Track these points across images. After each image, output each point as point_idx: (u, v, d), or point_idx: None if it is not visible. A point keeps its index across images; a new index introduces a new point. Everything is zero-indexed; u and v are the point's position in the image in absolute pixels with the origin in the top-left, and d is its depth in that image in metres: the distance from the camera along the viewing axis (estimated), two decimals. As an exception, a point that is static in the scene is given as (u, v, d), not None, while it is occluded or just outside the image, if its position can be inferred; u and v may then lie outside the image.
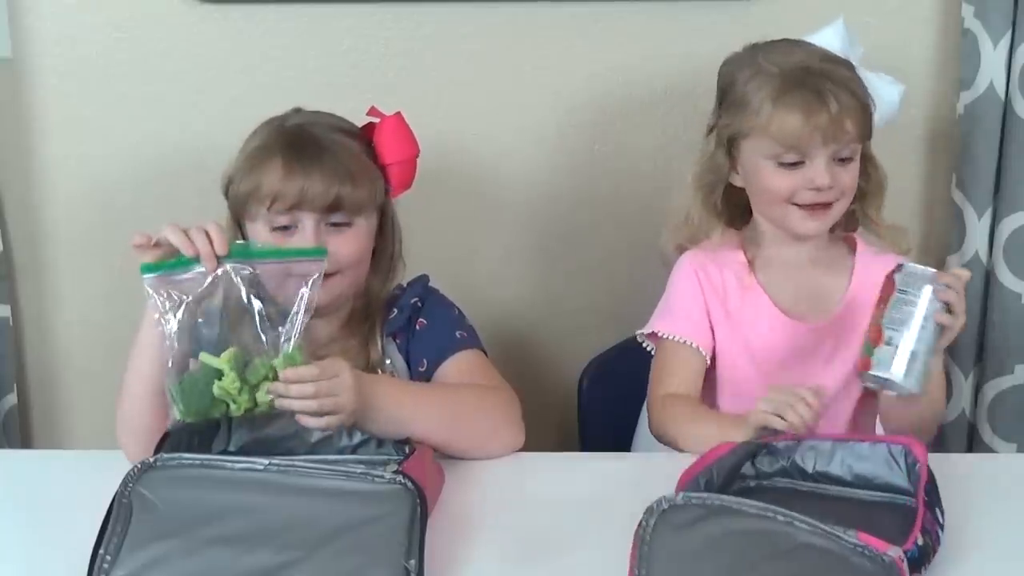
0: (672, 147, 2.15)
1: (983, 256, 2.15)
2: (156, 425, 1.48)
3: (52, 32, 2.12)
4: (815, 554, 1.20)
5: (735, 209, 1.77)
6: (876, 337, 1.53)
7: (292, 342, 1.45)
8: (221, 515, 1.29)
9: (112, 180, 2.18)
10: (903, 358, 1.52)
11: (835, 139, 1.65)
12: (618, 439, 1.95)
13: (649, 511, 1.24)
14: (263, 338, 1.46)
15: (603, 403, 1.99)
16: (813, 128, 1.63)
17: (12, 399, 2.23)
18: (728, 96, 1.72)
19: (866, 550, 1.19)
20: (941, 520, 1.34)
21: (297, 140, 1.64)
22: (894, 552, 1.20)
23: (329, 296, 1.60)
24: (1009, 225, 2.12)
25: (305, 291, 1.46)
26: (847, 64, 1.70)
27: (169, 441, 1.44)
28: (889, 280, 1.55)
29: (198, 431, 1.47)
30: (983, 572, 1.34)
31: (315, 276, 1.48)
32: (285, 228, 1.62)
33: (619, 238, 2.22)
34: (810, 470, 1.49)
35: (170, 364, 1.45)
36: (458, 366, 1.69)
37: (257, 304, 1.46)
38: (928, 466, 1.39)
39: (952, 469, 1.45)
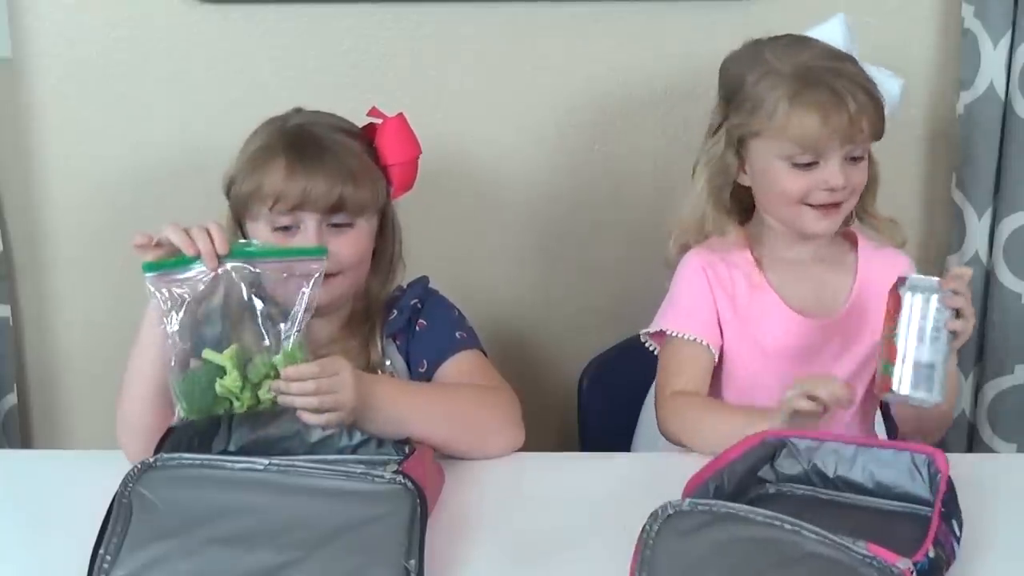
0: (672, 147, 2.15)
1: (983, 256, 2.15)
2: (156, 425, 1.48)
3: (52, 32, 2.12)
4: (822, 564, 1.19)
5: (738, 206, 1.77)
6: (891, 355, 1.53)
7: (292, 340, 1.45)
8: (221, 515, 1.29)
9: (112, 180, 2.18)
10: (922, 374, 1.52)
11: (852, 140, 1.64)
12: (618, 439, 1.95)
13: (653, 516, 1.24)
14: (264, 336, 1.46)
15: (603, 403, 1.99)
16: (832, 130, 1.62)
17: (12, 399, 2.23)
18: (737, 96, 1.70)
19: (875, 561, 1.18)
20: (958, 532, 1.33)
21: (299, 140, 1.64)
22: (903, 564, 1.19)
23: (330, 296, 1.60)
24: (1009, 225, 2.12)
25: (306, 290, 1.47)
26: (854, 60, 1.69)
27: (169, 441, 1.44)
28: (894, 295, 1.54)
29: (198, 431, 1.47)
30: (984, 572, 1.34)
31: (316, 275, 1.48)
32: (287, 228, 1.62)
33: (619, 238, 2.22)
34: (831, 475, 1.48)
35: (172, 363, 1.45)
36: (458, 367, 1.69)
37: (258, 303, 1.47)
38: (949, 477, 1.38)
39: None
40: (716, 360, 1.74)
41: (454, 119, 2.14)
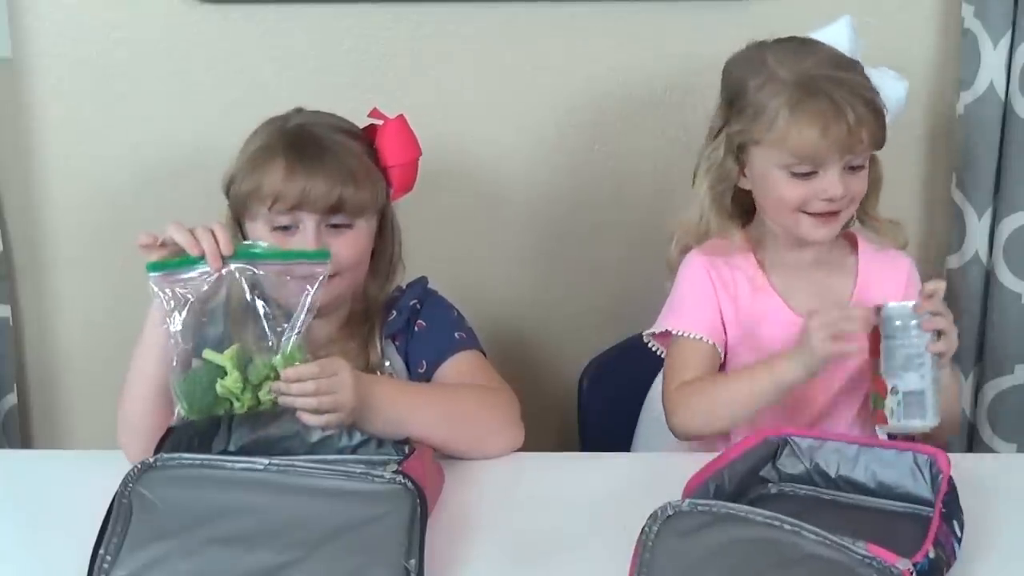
0: (672, 147, 2.15)
1: (983, 256, 2.15)
2: (158, 425, 1.48)
3: (52, 32, 2.12)
4: (821, 564, 1.19)
5: (740, 209, 1.77)
6: (881, 389, 1.54)
7: (292, 342, 1.45)
8: (221, 515, 1.29)
9: (112, 180, 2.18)
10: (913, 402, 1.53)
11: (851, 150, 1.64)
12: (618, 439, 1.95)
13: (653, 517, 1.24)
14: (265, 337, 1.46)
15: (603, 403, 1.99)
16: (831, 142, 1.61)
17: (12, 399, 2.23)
18: (739, 102, 1.69)
19: (874, 562, 1.18)
20: (959, 533, 1.33)
21: (300, 140, 1.64)
22: (903, 564, 1.18)
23: (328, 297, 1.59)
24: (1009, 225, 2.12)
25: (309, 292, 1.47)
26: (858, 67, 1.69)
27: (169, 441, 1.44)
28: (874, 327, 1.55)
29: (198, 431, 1.47)
30: (984, 572, 1.34)
31: (319, 278, 1.48)
32: (286, 228, 1.62)
33: (619, 238, 2.22)
34: (833, 474, 1.48)
35: (174, 362, 1.45)
36: (457, 367, 1.69)
37: (260, 304, 1.47)
38: (951, 477, 1.38)
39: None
40: (722, 358, 1.74)
41: (454, 119, 2.14)
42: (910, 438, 1.60)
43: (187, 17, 2.11)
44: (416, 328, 1.72)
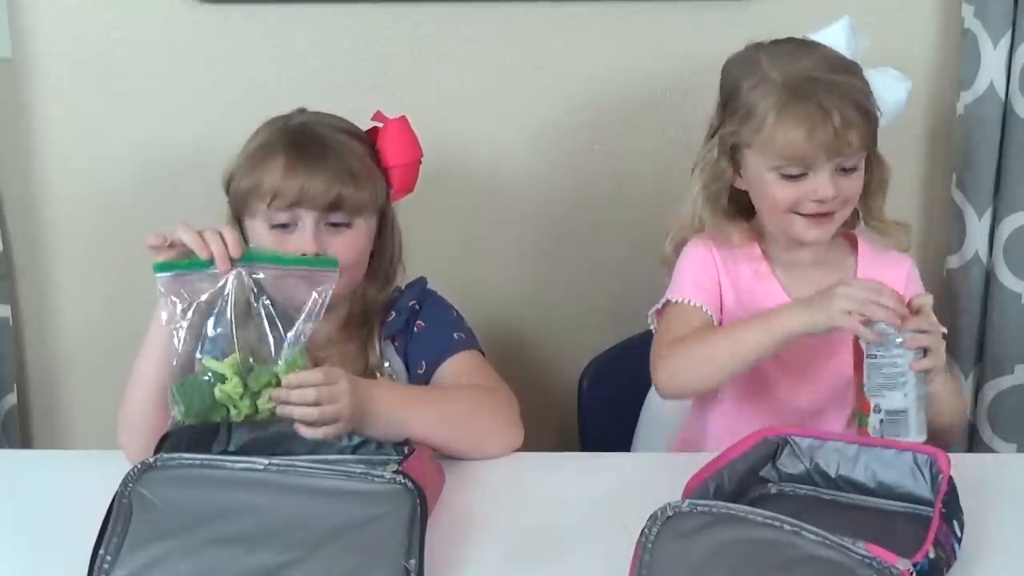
0: (672, 147, 2.15)
1: (983, 256, 2.15)
2: (160, 425, 1.48)
3: (52, 32, 2.12)
4: (821, 565, 1.19)
5: (739, 207, 1.77)
6: (863, 407, 1.53)
7: (295, 349, 1.45)
8: (221, 515, 1.29)
9: (112, 180, 2.18)
10: (897, 421, 1.51)
11: (839, 153, 1.63)
12: (618, 439, 1.95)
13: (653, 518, 1.24)
14: (269, 343, 1.46)
15: (603, 403, 1.99)
16: (817, 144, 1.62)
17: (12, 399, 2.22)
18: (732, 102, 1.70)
19: (874, 562, 1.18)
20: (959, 533, 1.33)
21: (301, 138, 1.65)
22: (903, 565, 1.18)
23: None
24: (1009, 225, 2.12)
25: (315, 299, 1.46)
26: (854, 69, 1.68)
27: (169, 441, 1.44)
28: (856, 346, 1.53)
29: (198, 431, 1.47)
30: (984, 572, 1.34)
31: (326, 286, 1.47)
32: (284, 226, 1.62)
33: (619, 238, 2.22)
34: (833, 474, 1.48)
35: (175, 364, 1.45)
36: (456, 367, 1.69)
37: (265, 309, 1.47)
38: (951, 477, 1.38)
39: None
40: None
41: (454, 119, 2.14)
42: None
43: (187, 17, 2.11)
44: (415, 329, 1.72)
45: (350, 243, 1.65)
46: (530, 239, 2.24)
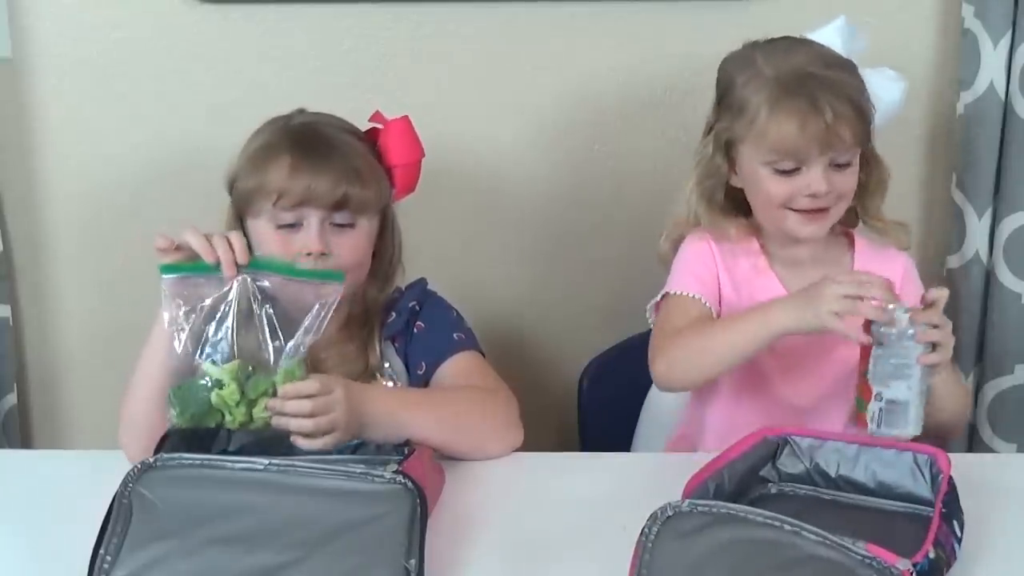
0: (672, 147, 2.15)
1: (983, 256, 2.15)
2: (160, 426, 1.47)
3: (52, 32, 2.12)
4: (821, 565, 1.19)
5: (736, 205, 1.77)
6: (864, 393, 1.51)
7: (294, 359, 1.45)
8: (221, 515, 1.29)
9: (112, 180, 2.18)
10: (896, 412, 1.50)
11: (831, 147, 1.64)
12: (618, 439, 1.95)
13: (653, 518, 1.23)
14: (269, 352, 1.46)
15: (603, 403, 1.99)
16: (809, 138, 1.62)
17: (12, 399, 2.23)
18: (726, 98, 1.71)
19: (874, 562, 1.18)
20: (959, 533, 1.33)
21: (305, 138, 1.65)
22: (903, 565, 1.18)
23: None
24: (1009, 225, 2.12)
25: (318, 312, 1.46)
26: (848, 66, 1.69)
27: (169, 441, 1.44)
28: (867, 329, 1.51)
29: (198, 431, 1.47)
30: (984, 572, 1.34)
31: (330, 299, 1.47)
32: (290, 226, 1.62)
33: (619, 238, 2.22)
34: (833, 474, 1.48)
35: (174, 366, 1.45)
36: (456, 367, 1.69)
37: (268, 317, 1.47)
38: (951, 477, 1.38)
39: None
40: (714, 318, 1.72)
41: (454, 119, 2.14)
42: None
43: (187, 17, 2.11)
44: (415, 330, 1.72)
45: (354, 243, 1.65)
46: (530, 239, 2.24)
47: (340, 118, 1.73)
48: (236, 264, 1.47)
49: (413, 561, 1.25)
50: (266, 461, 1.33)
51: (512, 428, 1.64)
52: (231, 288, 1.47)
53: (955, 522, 1.33)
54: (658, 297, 1.76)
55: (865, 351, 1.52)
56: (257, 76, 2.13)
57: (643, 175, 2.19)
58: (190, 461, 1.33)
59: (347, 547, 1.26)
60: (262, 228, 1.64)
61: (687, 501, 1.26)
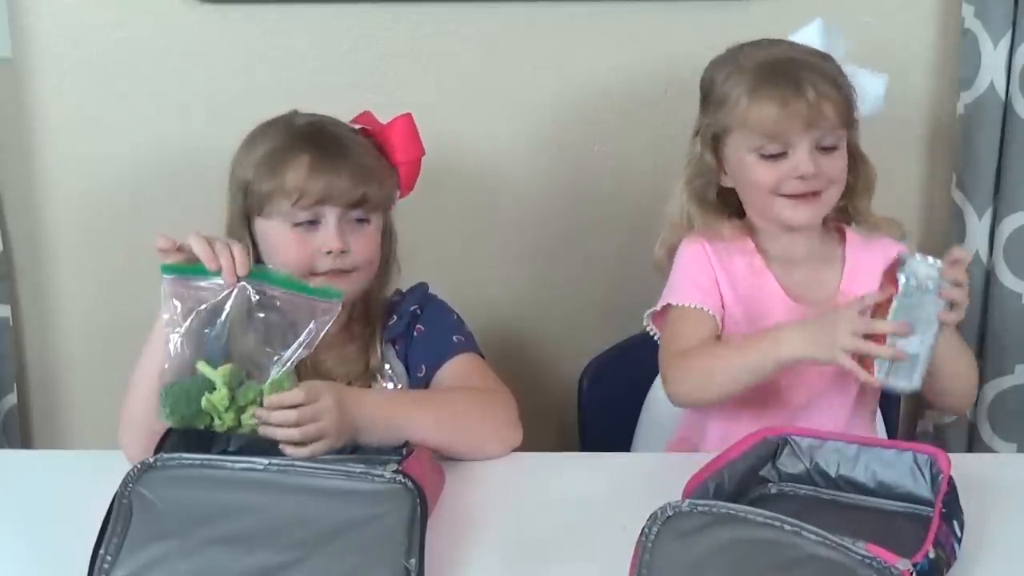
0: (672, 147, 2.13)
1: (983, 256, 2.15)
2: (160, 426, 1.48)
3: (52, 32, 2.12)
4: (821, 565, 1.19)
5: (727, 206, 1.77)
6: (879, 340, 1.51)
7: (282, 370, 1.45)
8: (221, 515, 1.29)
9: (112, 180, 2.18)
10: (905, 364, 1.50)
11: (815, 125, 1.65)
12: (618, 439, 1.95)
13: (653, 518, 1.23)
14: (261, 361, 1.46)
15: (603, 403, 1.99)
16: (790, 115, 1.63)
17: (12, 399, 2.22)
18: (709, 95, 1.73)
19: (874, 562, 1.18)
20: (959, 533, 1.33)
21: (319, 137, 1.66)
22: (903, 565, 1.18)
23: (349, 293, 1.62)
24: (1009, 225, 2.12)
25: (313, 327, 1.46)
26: (826, 56, 1.70)
27: (169, 441, 1.44)
28: (891, 276, 1.51)
29: (198, 431, 1.47)
30: (984, 572, 1.34)
31: (326, 317, 1.47)
32: (309, 224, 1.63)
33: (619, 238, 2.22)
34: (833, 474, 1.48)
35: (166, 365, 1.45)
36: (455, 370, 1.69)
37: (264, 328, 1.47)
38: (951, 477, 1.38)
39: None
40: (720, 329, 1.72)
41: (454, 119, 2.14)
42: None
43: (187, 17, 2.11)
44: (415, 332, 1.72)
45: (368, 240, 1.67)
46: (531, 238, 2.24)
47: (336, 118, 1.73)
48: (236, 273, 1.48)
49: (413, 561, 1.25)
50: (266, 461, 1.33)
51: (511, 428, 1.64)
52: (230, 294, 1.47)
53: (955, 522, 1.33)
54: (657, 307, 1.75)
55: (884, 303, 1.51)
56: (257, 76, 2.13)
57: (643, 175, 2.19)
58: (190, 461, 1.33)
59: (347, 547, 1.26)
60: (275, 228, 1.64)
61: (687, 501, 1.26)
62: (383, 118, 1.73)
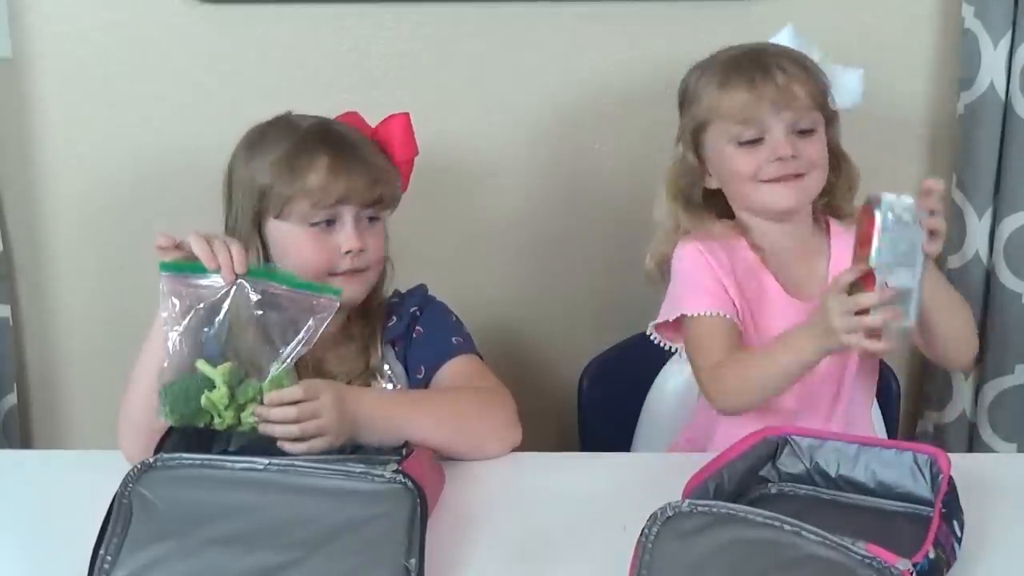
0: (672, 147, 2.14)
1: (983, 256, 2.15)
2: (160, 425, 1.48)
3: (52, 32, 2.12)
4: (821, 565, 1.19)
5: (716, 209, 1.77)
6: (869, 283, 1.49)
7: (282, 367, 1.45)
8: (221, 515, 1.29)
9: (112, 180, 2.18)
10: (903, 304, 1.48)
11: (787, 106, 1.66)
12: (618, 439, 1.95)
13: (653, 518, 1.23)
14: (260, 358, 1.46)
15: (603, 403, 1.99)
16: (760, 97, 1.66)
17: (12, 399, 2.23)
18: (685, 98, 1.77)
19: (874, 562, 1.18)
20: (959, 533, 1.33)
21: (332, 138, 1.67)
22: (903, 565, 1.18)
23: (360, 292, 1.66)
24: (1009, 225, 2.12)
25: (312, 324, 1.47)
26: (796, 51, 1.73)
27: (169, 441, 1.44)
28: (868, 214, 1.49)
29: (198, 431, 1.47)
30: (984, 572, 1.34)
31: (325, 313, 1.47)
32: (326, 223, 1.64)
33: (620, 237, 2.22)
34: (833, 474, 1.48)
35: (165, 363, 1.45)
36: (454, 371, 1.69)
37: (262, 325, 1.47)
38: (951, 477, 1.38)
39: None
40: (741, 329, 1.71)
41: (454, 119, 2.14)
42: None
43: (187, 17, 2.11)
44: (414, 334, 1.72)
45: (379, 238, 1.69)
46: (531, 238, 2.24)
47: (331, 119, 1.73)
48: (235, 272, 1.48)
49: (413, 561, 1.25)
50: (266, 461, 1.33)
51: (511, 427, 1.64)
52: (228, 291, 1.47)
53: (955, 522, 1.33)
54: (670, 318, 1.74)
55: (866, 241, 1.49)
56: (257, 76, 2.13)
57: (643, 174, 2.18)
58: (190, 461, 1.33)
59: (347, 547, 1.26)
60: (292, 230, 1.64)
61: (687, 501, 1.26)
62: (384, 118, 1.73)
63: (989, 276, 2.16)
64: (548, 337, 2.28)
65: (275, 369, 1.45)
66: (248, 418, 1.44)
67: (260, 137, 1.70)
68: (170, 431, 1.46)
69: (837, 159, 1.75)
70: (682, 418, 1.88)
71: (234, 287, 1.47)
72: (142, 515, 1.29)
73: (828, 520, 1.29)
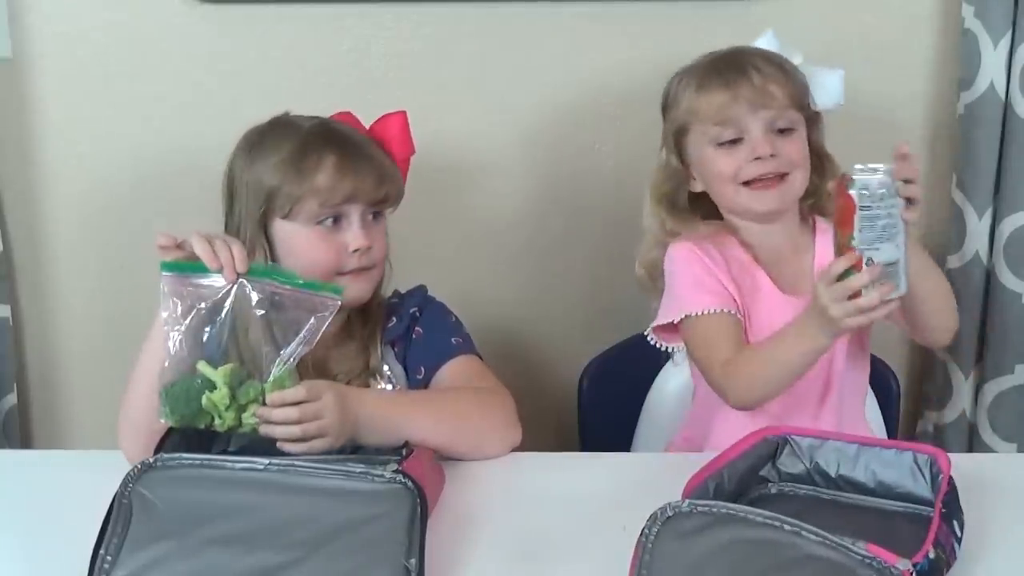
0: (672, 147, 2.15)
1: (983, 256, 2.15)
2: (160, 425, 1.48)
3: (52, 32, 2.12)
4: (821, 565, 1.19)
5: (704, 212, 1.78)
6: (856, 263, 1.47)
7: (284, 368, 1.45)
8: (221, 515, 1.29)
9: (112, 180, 2.18)
10: (891, 273, 1.47)
11: (764, 105, 1.67)
12: (618, 439, 1.95)
13: (653, 518, 1.23)
14: (261, 359, 1.46)
15: (603, 403, 1.99)
16: (737, 97, 1.67)
17: (12, 399, 2.23)
18: (666, 103, 1.78)
19: (874, 562, 1.17)
20: (959, 533, 1.32)
21: (337, 138, 1.67)
22: (903, 565, 1.18)
23: (367, 291, 1.67)
24: (1009, 225, 2.12)
25: (313, 323, 1.46)
26: (772, 52, 1.73)
27: (169, 441, 1.44)
28: (844, 194, 1.46)
29: (198, 431, 1.47)
30: (984, 572, 1.34)
31: (326, 312, 1.47)
32: (333, 222, 1.64)
33: (620, 237, 2.21)
34: (833, 474, 1.48)
35: (166, 364, 1.45)
36: (454, 371, 1.69)
37: (264, 325, 1.47)
38: (951, 477, 1.38)
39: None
40: (744, 323, 1.71)
41: (454, 119, 2.14)
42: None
43: (187, 17, 2.11)
44: (414, 335, 1.72)
45: (383, 236, 1.70)
46: (530, 238, 2.24)
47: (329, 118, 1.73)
48: (236, 272, 1.48)
49: (413, 561, 1.25)
50: (266, 461, 1.33)
51: (511, 427, 1.64)
52: (229, 291, 1.47)
53: (955, 522, 1.33)
54: (673, 319, 1.73)
55: (846, 220, 1.47)
56: (257, 76, 2.13)
57: (642, 175, 2.17)
58: (190, 461, 1.33)
59: (347, 547, 1.26)
60: (299, 230, 1.64)
61: (687, 501, 1.26)
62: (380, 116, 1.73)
63: (989, 276, 2.16)
64: (548, 337, 2.28)
65: (277, 369, 1.45)
66: (249, 419, 1.44)
67: (261, 139, 1.69)
68: (170, 431, 1.46)
69: (821, 160, 1.75)
70: (682, 418, 1.89)
71: (235, 286, 1.47)
72: (142, 515, 1.29)
73: (828, 520, 1.29)
